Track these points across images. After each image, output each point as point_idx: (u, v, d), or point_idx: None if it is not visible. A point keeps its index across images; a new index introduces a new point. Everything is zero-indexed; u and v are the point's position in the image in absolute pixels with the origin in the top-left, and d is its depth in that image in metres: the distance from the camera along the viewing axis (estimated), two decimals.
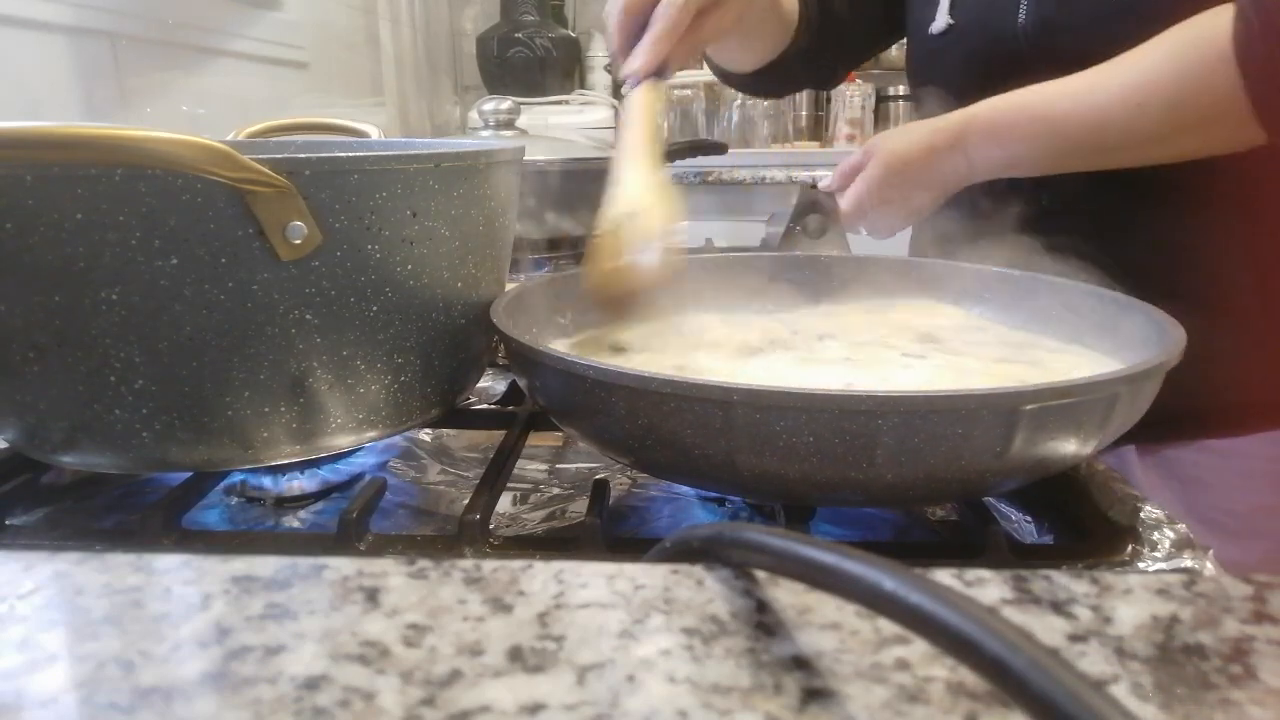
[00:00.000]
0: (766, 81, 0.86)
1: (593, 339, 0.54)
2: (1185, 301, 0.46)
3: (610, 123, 1.89)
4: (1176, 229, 0.64)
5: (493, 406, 0.60)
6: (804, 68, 0.84)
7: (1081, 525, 0.42)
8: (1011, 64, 0.67)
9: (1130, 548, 0.39)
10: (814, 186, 0.85)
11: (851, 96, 2.09)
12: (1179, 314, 0.44)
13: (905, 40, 0.84)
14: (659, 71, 0.56)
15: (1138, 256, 0.60)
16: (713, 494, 0.47)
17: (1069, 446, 0.36)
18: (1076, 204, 0.67)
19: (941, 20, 0.73)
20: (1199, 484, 0.69)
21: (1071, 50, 0.62)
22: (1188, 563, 0.38)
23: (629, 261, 0.48)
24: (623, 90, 0.58)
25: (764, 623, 0.24)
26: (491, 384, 0.63)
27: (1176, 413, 0.63)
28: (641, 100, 0.56)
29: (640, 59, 0.56)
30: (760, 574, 0.26)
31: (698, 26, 0.58)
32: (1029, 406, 0.33)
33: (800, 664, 0.22)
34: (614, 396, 0.37)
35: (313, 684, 0.21)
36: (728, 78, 0.90)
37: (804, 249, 0.83)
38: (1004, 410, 0.33)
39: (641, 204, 0.50)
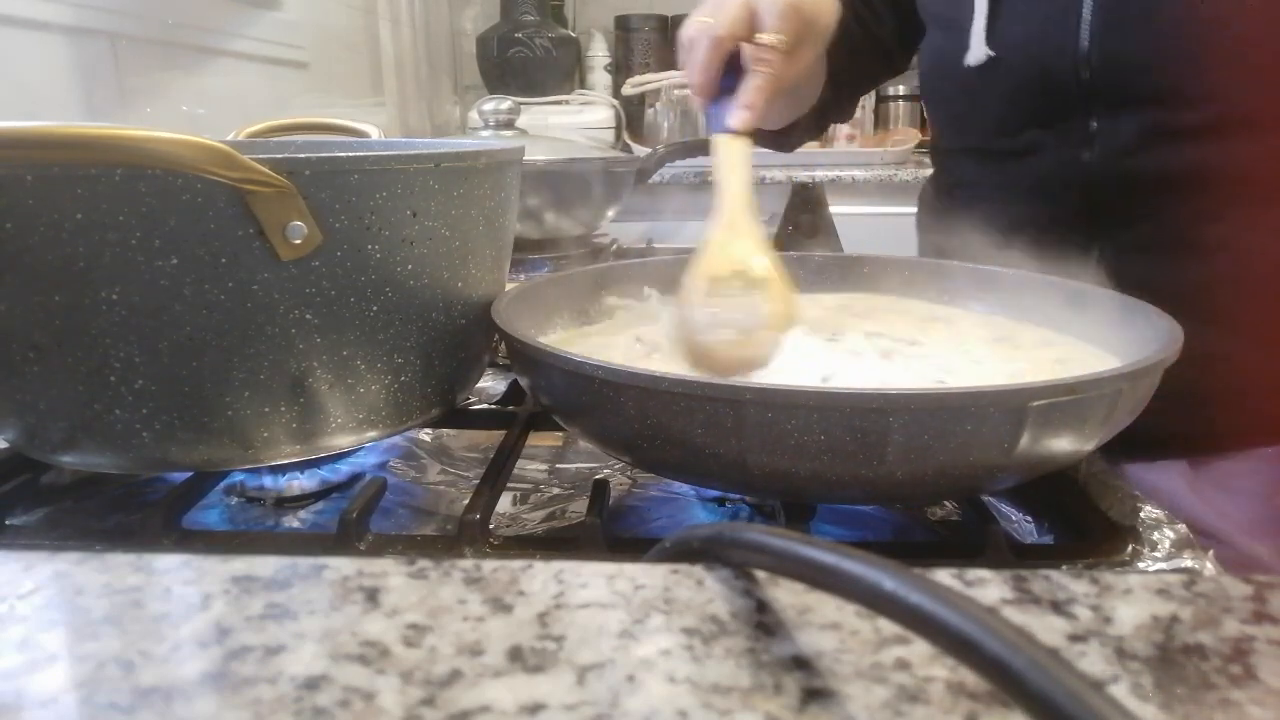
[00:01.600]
0: (783, 139, 0.82)
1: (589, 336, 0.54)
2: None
3: (610, 123, 1.89)
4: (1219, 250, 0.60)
5: (493, 406, 0.60)
6: (816, 121, 0.80)
7: (1081, 525, 0.42)
8: (1067, 103, 0.61)
9: (1130, 548, 0.39)
10: (806, 186, 0.83)
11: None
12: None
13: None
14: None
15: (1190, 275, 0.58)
16: (713, 494, 0.47)
17: (1074, 442, 0.37)
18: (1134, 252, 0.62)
19: (978, 51, 0.64)
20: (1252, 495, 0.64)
21: (1144, 88, 0.57)
22: (1188, 563, 0.38)
23: (741, 336, 0.45)
24: (709, 131, 0.53)
25: (764, 623, 0.24)
26: (491, 384, 0.63)
27: (1233, 427, 0.60)
28: (738, 150, 0.51)
29: (745, 115, 0.51)
30: (760, 574, 0.26)
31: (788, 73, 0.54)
32: (1037, 403, 0.34)
33: (800, 664, 0.22)
34: (623, 396, 0.37)
35: (313, 684, 0.21)
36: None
37: (797, 248, 0.83)
38: (1013, 407, 0.34)
39: (757, 273, 0.47)
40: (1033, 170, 0.65)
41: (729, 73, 0.53)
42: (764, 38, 0.51)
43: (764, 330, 0.45)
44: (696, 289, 0.47)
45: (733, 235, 0.49)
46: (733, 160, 0.51)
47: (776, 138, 0.81)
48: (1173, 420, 0.48)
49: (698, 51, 0.53)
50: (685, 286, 0.47)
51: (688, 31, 0.54)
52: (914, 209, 0.89)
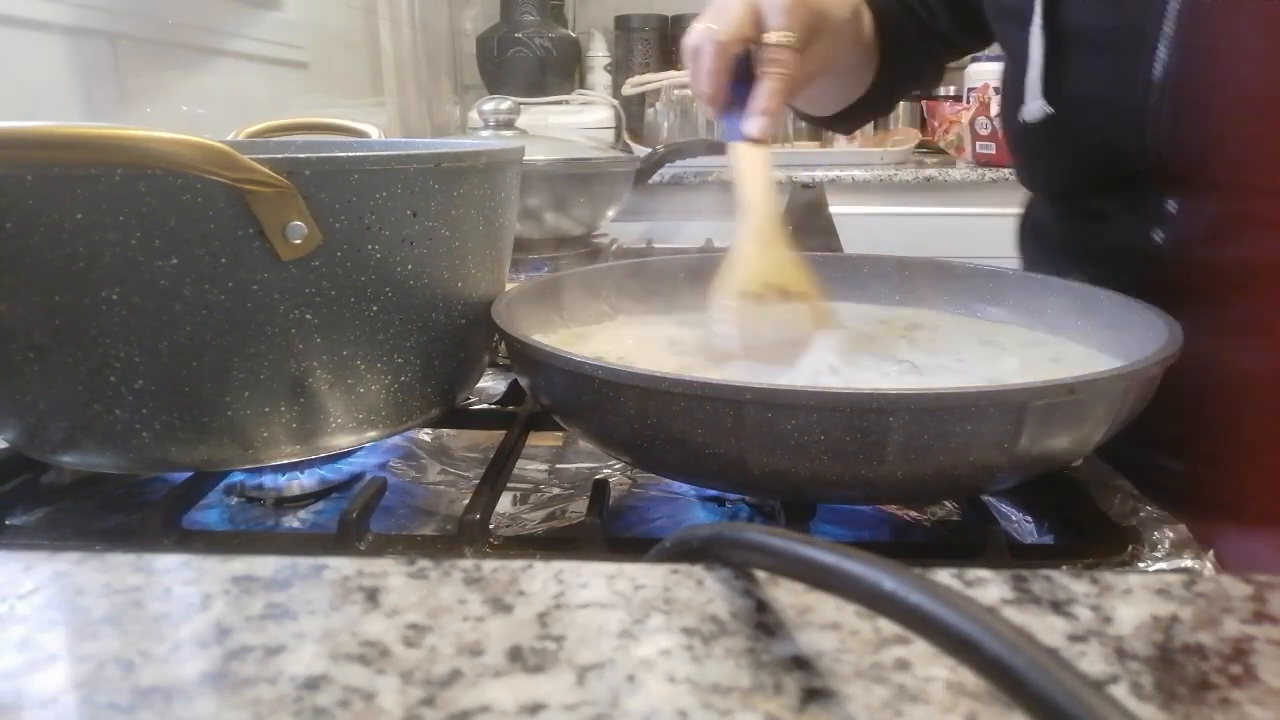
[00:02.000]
0: (845, 121, 0.78)
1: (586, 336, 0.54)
2: None
3: (610, 123, 1.89)
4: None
5: (493, 406, 0.60)
6: (876, 104, 0.76)
7: (1081, 525, 0.42)
8: (1135, 177, 0.54)
9: (1130, 548, 0.39)
10: (806, 186, 0.82)
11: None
12: None
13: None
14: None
15: None
16: (713, 494, 0.47)
17: (1074, 442, 0.37)
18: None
19: (1035, 106, 0.57)
20: None
21: (1220, 171, 0.51)
22: (1188, 563, 0.38)
23: (776, 350, 0.44)
24: (722, 137, 0.51)
25: (764, 623, 0.24)
26: (491, 384, 0.63)
27: None
28: (758, 158, 0.50)
29: (760, 121, 0.49)
30: (760, 574, 0.26)
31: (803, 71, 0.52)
32: (1037, 403, 0.34)
33: (800, 664, 0.22)
34: (623, 396, 0.37)
35: (313, 684, 0.21)
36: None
37: (796, 248, 0.83)
38: (1012, 407, 0.34)
39: (791, 287, 0.46)
40: (1101, 238, 0.60)
41: (740, 79, 0.51)
42: (772, 36, 0.49)
43: (799, 344, 0.45)
44: (729, 306, 0.46)
45: (762, 248, 0.48)
46: (754, 169, 0.50)
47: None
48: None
49: (703, 59, 0.51)
50: (718, 303, 0.47)
51: (690, 40, 0.52)
52: (914, 209, 0.88)
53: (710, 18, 0.51)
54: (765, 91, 0.49)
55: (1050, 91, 0.57)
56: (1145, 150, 0.53)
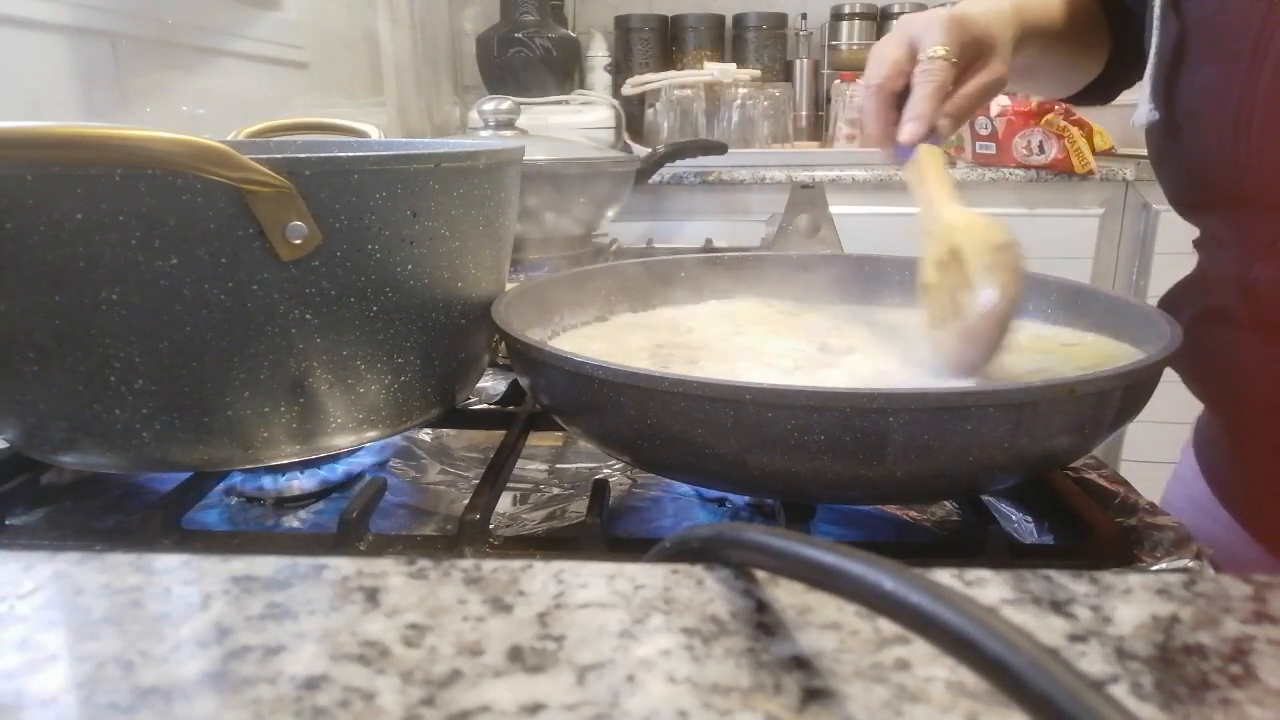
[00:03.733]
0: (1093, 95, 0.75)
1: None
2: None
3: (610, 123, 1.88)
4: None
5: (493, 406, 0.60)
6: (1120, 75, 0.72)
7: (1081, 525, 0.42)
8: (1232, 195, 0.52)
9: (1130, 548, 0.39)
10: (806, 186, 0.82)
11: (851, 96, 2.09)
12: None
13: None
14: (931, 137, 0.51)
15: None
16: (713, 493, 0.47)
17: (1074, 442, 0.37)
18: None
19: (1144, 109, 0.56)
20: None
21: None
22: (1188, 563, 0.38)
23: (991, 298, 0.43)
24: (897, 161, 0.52)
25: (764, 623, 0.24)
26: (491, 384, 0.63)
27: None
28: (927, 162, 0.51)
29: (912, 124, 0.50)
30: (760, 574, 0.26)
31: (962, 84, 0.53)
32: (1036, 403, 0.34)
33: (800, 664, 0.22)
34: (623, 396, 0.37)
35: (313, 684, 0.21)
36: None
37: (796, 248, 0.83)
38: (1012, 407, 0.34)
39: (986, 239, 0.46)
40: (1216, 262, 0.58)
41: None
42: (925, 52, 0.52)
43: (986, 299, 0.44)
44: (928, 308, 0.47)
45: (930, 241, 0.48)
46: (917, 179, 0.51)
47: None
48: None
49: (867, 108, 0.53)
50: (921, 290, 0.48)
51: (857, 99, 0.55)
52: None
53: (868, 71, 0.53)
54: (917, 98, 0.51)
55: (1167, 94, 0.55)
56: (1239, 167, 0.51)
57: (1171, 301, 0.63)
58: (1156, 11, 0.55)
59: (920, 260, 0.49)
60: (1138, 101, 0.56)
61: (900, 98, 0.53)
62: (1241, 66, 0.50)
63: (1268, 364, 0.53)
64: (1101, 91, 0.75)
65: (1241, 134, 0.50)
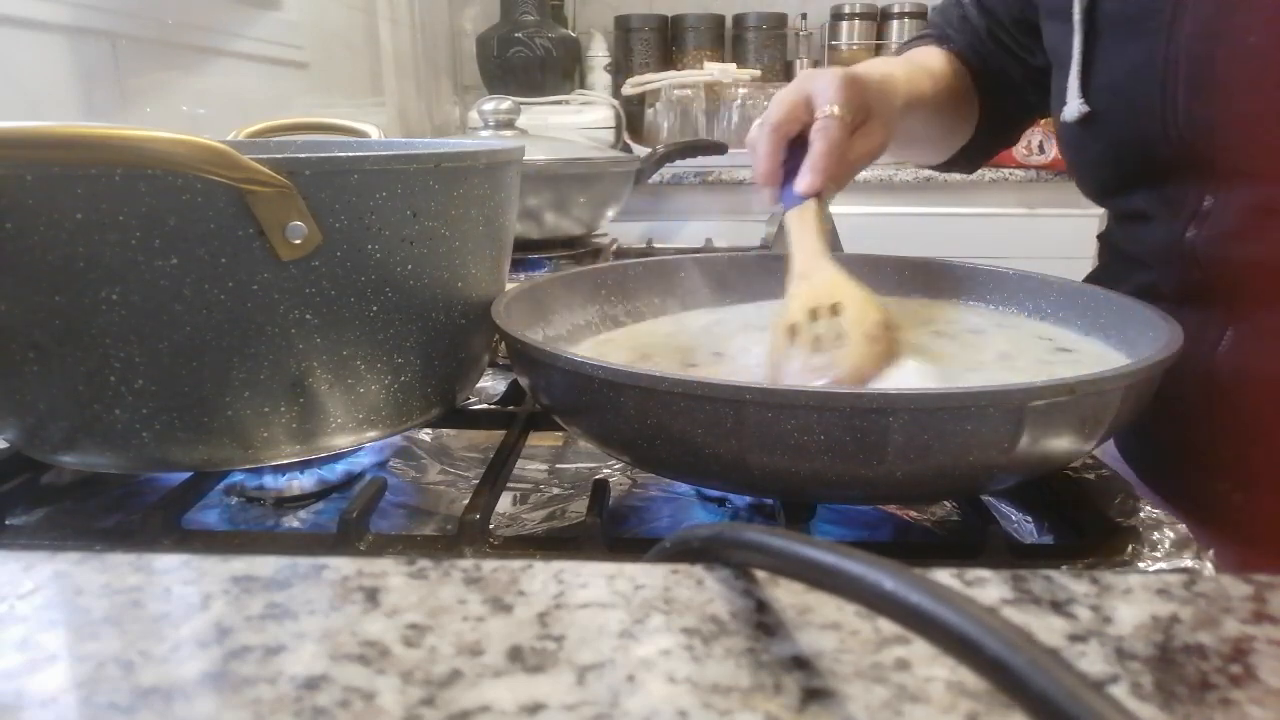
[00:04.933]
0: (958, 165, 0.82)
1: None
2: None
3: (610, 123, 1.89)
4: None
5: (493, 406, 0.60)
6: (988, 144, 0.79)
7: (1081, 525, 0.42)
8: (1169, 172, 0.56)
9: (1130, 548, 0.39)
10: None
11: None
12: None
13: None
14: (819, 193, 0.53)
15: None
16: (713, 494, 0.47)
17: (1074, 442, 0.37)
18: None
19: (1074, 105, 0.59)
20: None
21: (1248, 162, 0.52)
22: (1188, 563, 0.38)
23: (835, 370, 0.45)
24: (779, 209, 0.55)
25: (764, 623, 0.24)
26: (491, 384, 0.63)
27: None
28: (808, 217, 0.53)
29: (808, 178, 0.52)
30: (760, 574, 0.26)
31: (854, 148, 0.56)
32: (1036, 403, 0.34)
33: (800, 664, 0.22)
34: (623, 396, 0.37)
35: (313, 684, 0.21)
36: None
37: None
38: (1012, 407, 0.34)
39: (835, 299, 0.48)
40: (1141, 239, 0.61)
41: (797, 159, 0.55)
42: (822, 109, 0.53)
43: (857, 357, 0.45)
44: (780, 341, 0.48)
45: (806, 284, 0.50)
46: (803, 226, 0.53)
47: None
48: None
49: (759, 145, 0.55)
50: (771, 343, 0.49)
51: (750, 135, 0.57)
52: (914, 209, 0.89)
53: (768, 111, 0.55)
54: (814, 153, 0.53)
55: (1086, 88, 0.59)
56: (1170, 139, 0.54)
57: None
58: (1076, 17, 0.58)
59: (788, 298, 0.50)
60: (1066, 100, 0.60)
61: (790, 143, 0.55)
62: (1160, 41, 0.53)
63: (1201, 331, 0.55)
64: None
65: (1169, 105, 0.53)
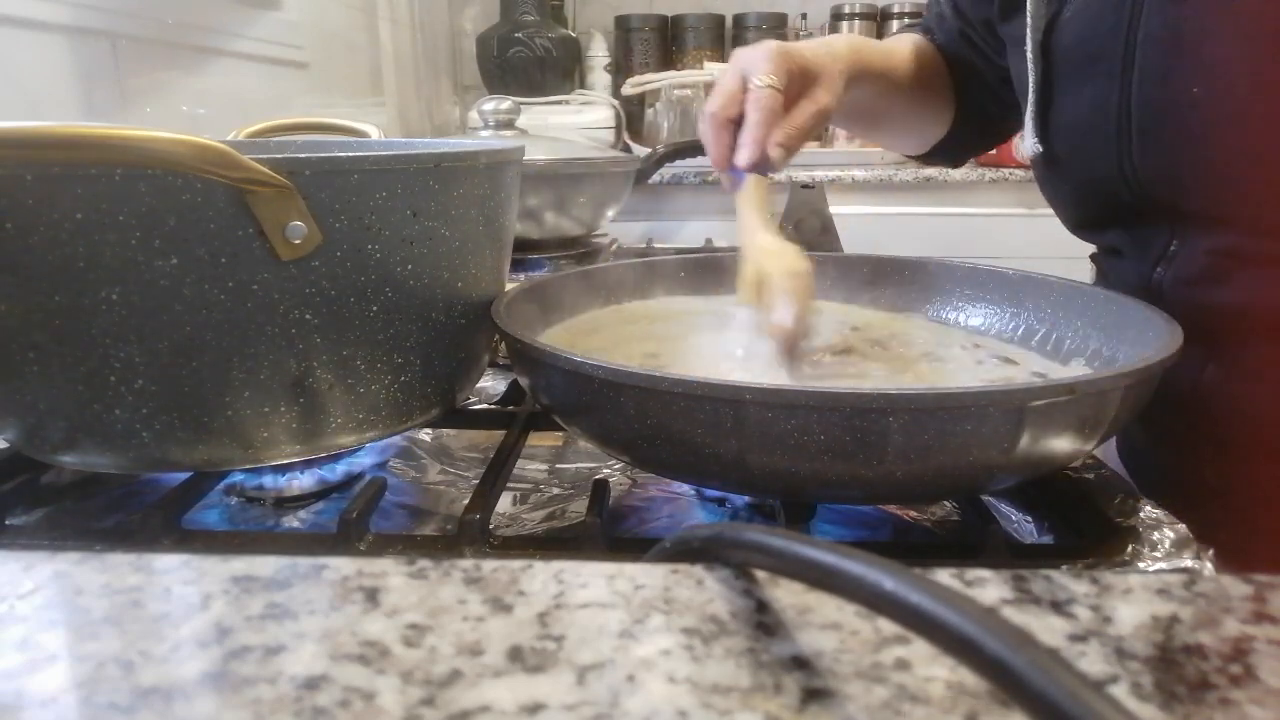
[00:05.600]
0: (938, 157, 0.82)
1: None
2: None
3: (610, 123, 1.88)
4: None
5: (493, 406, 0.60)
6: (968, 139, 0.79)
7: (1081, 525, 0.42)
8: (1118, 211, 0.56)
9: (1130, 548, 0.39)
10: (806, 186, 0.83)
11: None
12: None
13: None
14: (763, 166, 0.54)
15: None
16: (713, 493, 0.47)
17: (1073, 442, 0.37)
18: None
19: (1029, 143, 0.59)
20: None
21: (1202, 207, 0.52)
22: (1188, 563, 0.38)
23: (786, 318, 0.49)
24: (727, 188, 0.57)
25: (764, 623, 0.24)
26: (491, 384, 0.63)
27: None
28: (753, 191, 0.55)
29: (745, 151, 0.53)
30: (760, 574, 0.26)
31: (794, 113, 0.56)
32: (1036, 403, 0.34)
33: (800, 664, 0.22)
34: (623, 396, 0.37)
35: (313, 684, 0.21)
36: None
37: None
38: (1012, 407, 0.34)
39: (783, 265, 0.51)
40: (1118, 272, 0.60)
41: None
42: (753, 81, 0.54)
43: (796, 299, 0.49)
44: (742, 306, 0.52)
45: (749, 266, 0.52)
46: (745, 204, 0.55)
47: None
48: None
49: (706, 135, 0.56)
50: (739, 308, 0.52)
51: (699, 128, 0.57)
52: (914, 209, 0.89)
53: (709, 100, 0.56)
54: (747, 125, 0.54)
55: (1045, 126, 0.59)
56: (1129, 183, 0.54)
57: None
58: (1029, 53, 0.58)
59: (739, 280, 0.53)
60: (1024, 135, 0.60)
61: (736, 124, 0.55)
62: (1114, 86, 0.53)
63: (1184, 361, 0.54)
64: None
65: (1124, 150, 0.53)
